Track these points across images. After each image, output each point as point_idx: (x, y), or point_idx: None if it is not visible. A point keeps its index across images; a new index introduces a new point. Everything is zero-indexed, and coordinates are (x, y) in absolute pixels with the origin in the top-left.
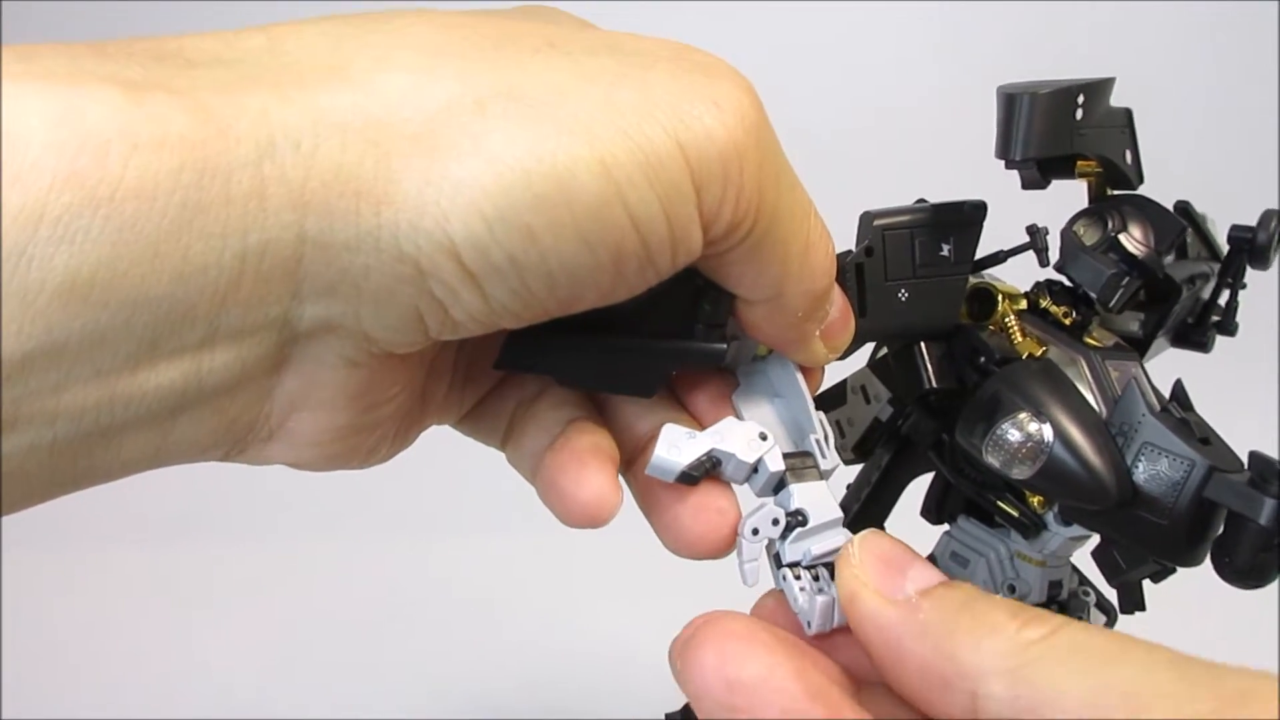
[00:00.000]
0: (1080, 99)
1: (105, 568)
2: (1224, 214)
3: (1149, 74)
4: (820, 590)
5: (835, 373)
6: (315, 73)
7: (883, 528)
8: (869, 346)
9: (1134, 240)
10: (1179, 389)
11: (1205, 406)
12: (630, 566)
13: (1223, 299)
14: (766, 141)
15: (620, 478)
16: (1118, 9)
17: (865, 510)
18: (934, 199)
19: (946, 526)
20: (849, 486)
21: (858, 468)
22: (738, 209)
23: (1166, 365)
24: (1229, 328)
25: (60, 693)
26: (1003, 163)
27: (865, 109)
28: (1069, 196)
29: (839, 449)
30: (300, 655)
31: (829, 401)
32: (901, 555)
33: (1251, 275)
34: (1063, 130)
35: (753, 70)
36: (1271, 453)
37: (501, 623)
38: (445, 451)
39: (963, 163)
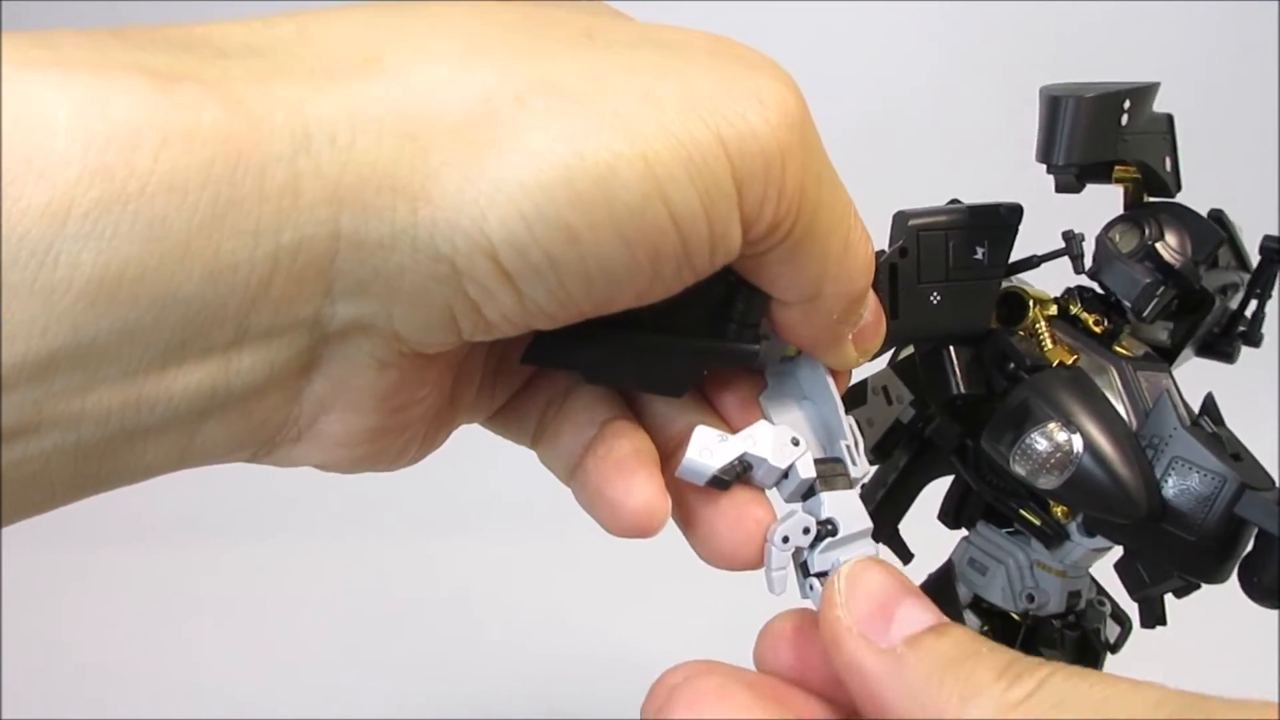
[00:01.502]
0: (1126, 104)
1: (105, 568)
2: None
3: (1149, 71)
4: None
5: (857, 372)
6: (349, 63)
7: (897, 529)
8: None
9: (1171, 249)
10: (1210, 402)
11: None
12: (629, 566)
13: (1249, 309)
14: (810, 139)
15: None
16: (1120, 8)
17: (880, 512)
18: (964, 200)
19: (963, 531)
20: (864, 486)
21: (873, 468)
22: (779, 208)
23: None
24: (1254, 338)
25: (60, 693)
26: (1038, 165)
27: (895, 107)
28: (1100, 201)
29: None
30: (300, 655)
31: (849, 402)
32: (891, 591)
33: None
34: (1107, 135)
35: (784, 65)
36: (1272, 456)
37: (500, 622)
38: (444, 451)
39: (991, 163)
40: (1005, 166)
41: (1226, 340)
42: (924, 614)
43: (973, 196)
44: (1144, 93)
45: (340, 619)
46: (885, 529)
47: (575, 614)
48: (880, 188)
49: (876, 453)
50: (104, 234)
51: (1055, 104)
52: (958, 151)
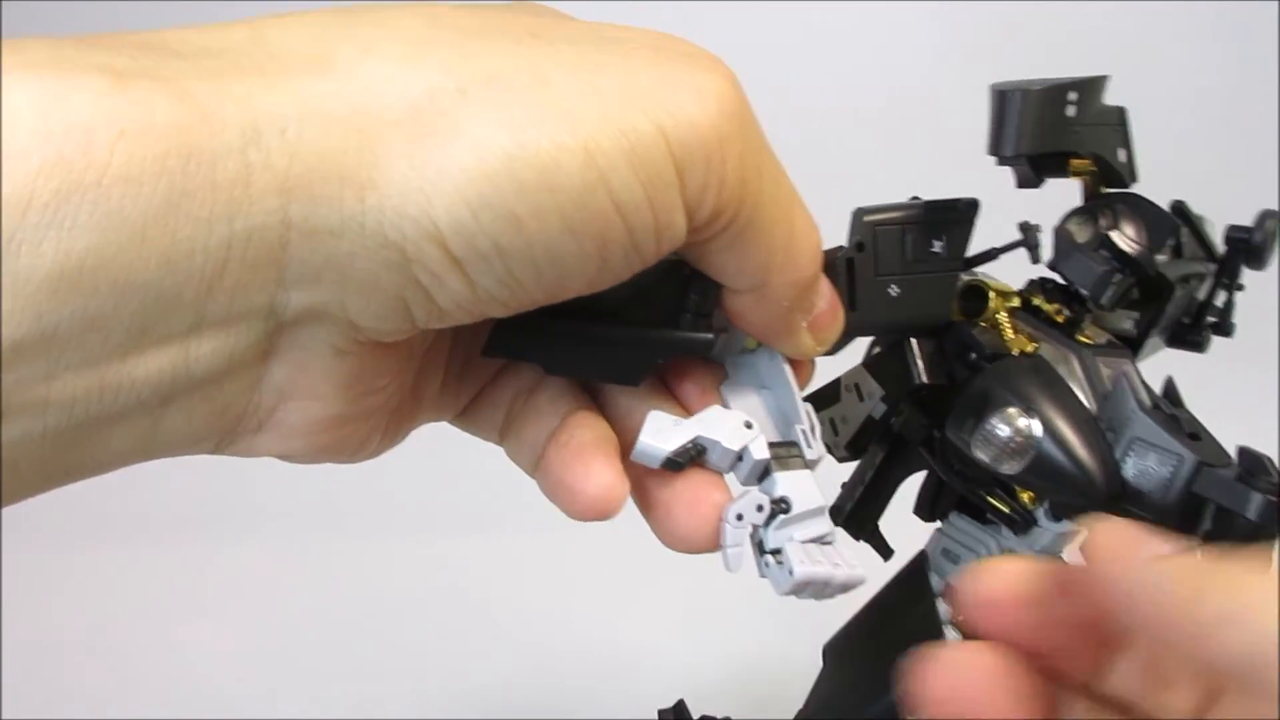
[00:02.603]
0: (1073, 96)
1: (104, 568)
2: (1226, 214)
3: (1149, 72)
4: (819, 562)
5: (831, 371)
6: (299, 62)
7: (877, 526)
8: (862, 344)
9: (1126, 238)
10: (1170, 386)
11: (1206, 406)
12: (628, 566)
13: (1220, 300)
14: (749, 130)
15: None
16: (1119, 8)
17: (860, 508)
18: (930, 196)
19: (939, 524)
20: (844, 485)
21: (852, 466)
22: (720, 196)
23: (1172, 366)
24: (1226, 328)
25: (60, 693)
26: (998, 161)
27: (864, 105)
28: (1067, 195)
29: (833, 446)
30: (300, 655)
31: (823, 399)
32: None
33: (1252, 274)
34: (1055, 127)
35: (750, 64)
36: (1272, 453)
37: (499, 622)
38: (444, 451)
39: (962, 161)
40: (972, 165)
41: (1195, 330)
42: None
43: (939, 194)
44: (1091, 85)
45: (341, 619)
46: (867, 526)
47: (575, 614)
48: (848, 186)
49: (851, 449)
50: (63, 223)
51: (1003, 98)
52: (925, 150)
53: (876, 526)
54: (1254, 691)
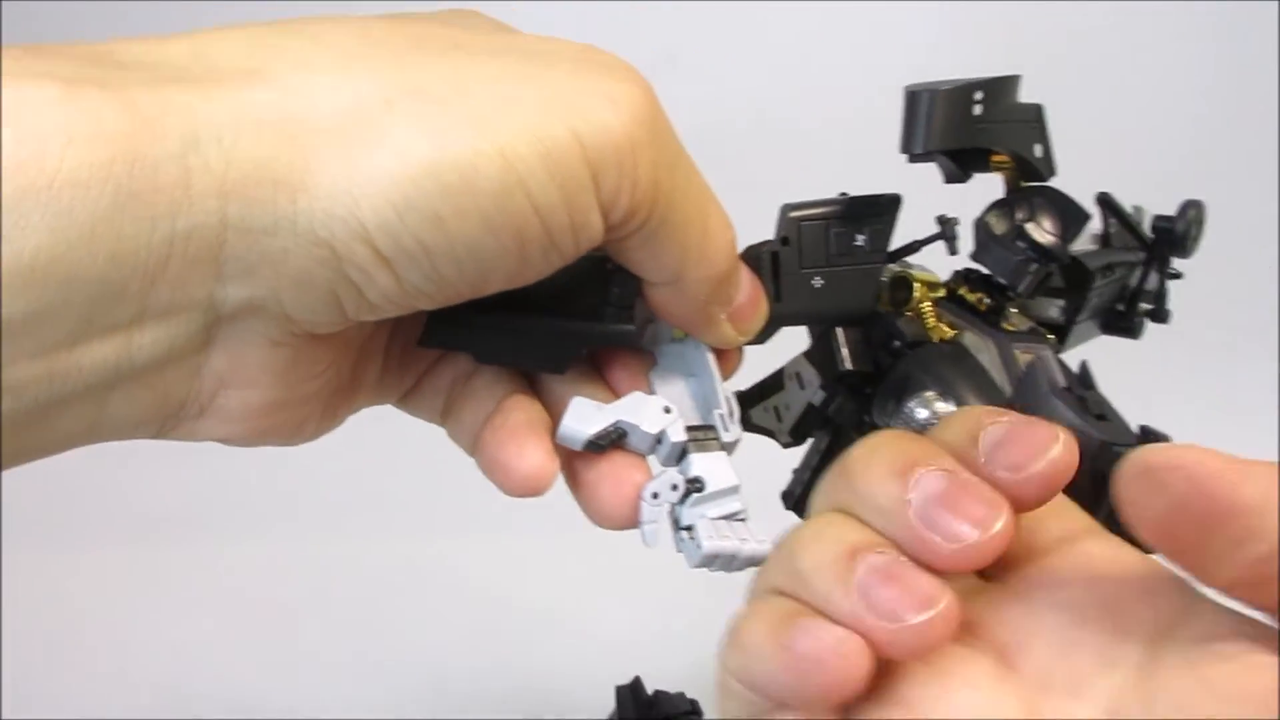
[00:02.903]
0: (979, 95)
1: (104, 567)
2: (1226, 214)
3: (1149, 72)
4: (727, 537)
5: (777, 360)
6: (235, 74)
7: None
8: (802, 335)
9: (1042, 230)
10: (1084, 370)
11: (1205, 405)
12: (626, 566)
13: (1151, 284)
14: (661, 135)
15: None
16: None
17: (809, 491)
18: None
19: None
20: (794, 471)
21: (800, 451)
22: (634, 197)
23: (1173, 368)
24: (1161, 315)
25: (60, 693)
26: (909, 158)
27: (859, 103)
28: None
29: (778, 433)
30: (300, 655)
31: (767, 388)
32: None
33: (1251, 275)
34: (962, 125)
35: (697, 67)
36: (1272, 453)
37: (500, 622)
38: (445, 451)
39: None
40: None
41: (1128, 317)
42: None
43: (876, 189)
44: (999, 84)
45: (341, 618)
46: None
47: (575, 614)
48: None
49: (795, 435)
50: (17, 224)
51: (914, 98)
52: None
53: None
54: None
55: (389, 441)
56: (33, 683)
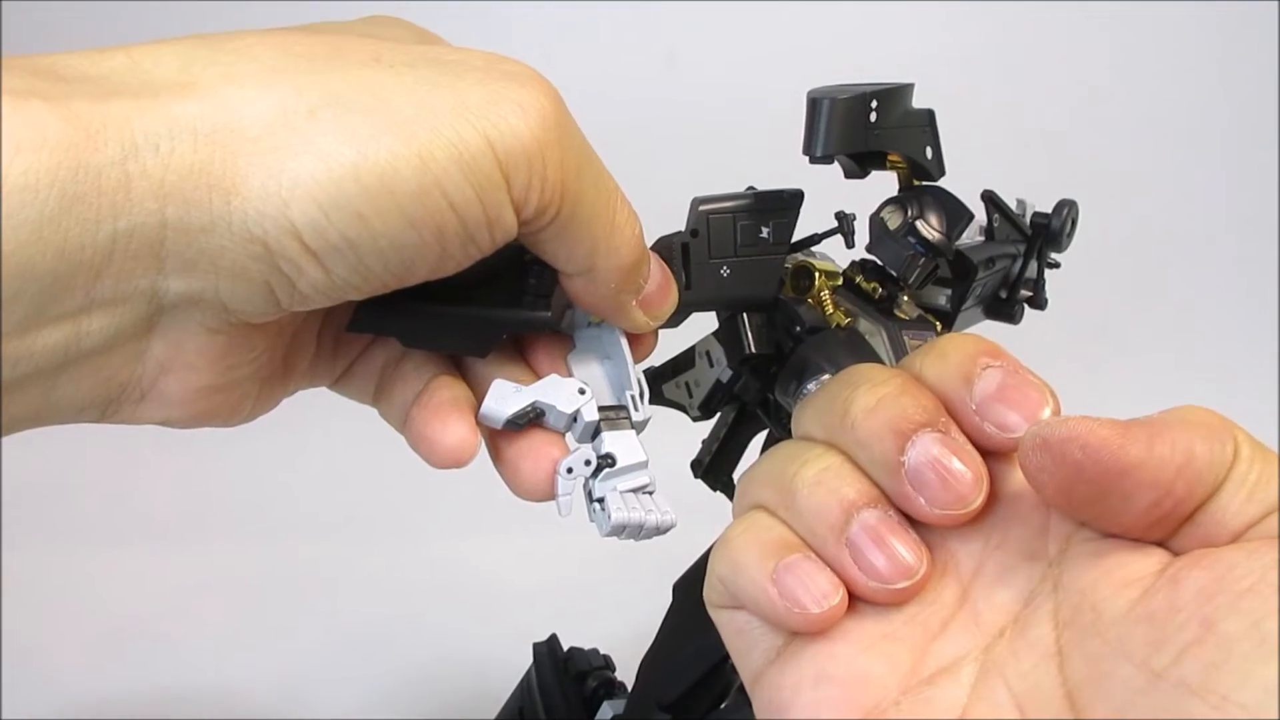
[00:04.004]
0: (874, 104)
1: (105, 568)
2: (1227, 214)
3: (1148, 73)
4: (634, 509)
5: (688, 339)
6: (169, 87)
7: (731, 477)
8: (713, 316)
9: (929, 226)
10: None
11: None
12: (627, 566)
13: (1031, 272)
14: (567, 137)
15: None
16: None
17: (715, 461)
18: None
19: None
20: (703, 441)
21: (709, 425)
22: (543, 195)
23: (1177, 371)
24: (1039, 302)
25: (60, 692)
26: (810, 160)
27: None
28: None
29: (688, 407)
30: (300, 654)
31: (679, 365)
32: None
33: (1251, 274)
34: (858, 131)
35: (697, 67)
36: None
37: (500, 621)
38: None
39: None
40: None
41: (1009, 304)
42: None
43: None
44: (893, 94)
45: (341, 618)
46: (721, 477)
47: (576, 614)
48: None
49: (704, 409)
50: None
51: (814, 105)
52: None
53: (731, 478)
54: None
55: (388, 443)
56: (33, 683)
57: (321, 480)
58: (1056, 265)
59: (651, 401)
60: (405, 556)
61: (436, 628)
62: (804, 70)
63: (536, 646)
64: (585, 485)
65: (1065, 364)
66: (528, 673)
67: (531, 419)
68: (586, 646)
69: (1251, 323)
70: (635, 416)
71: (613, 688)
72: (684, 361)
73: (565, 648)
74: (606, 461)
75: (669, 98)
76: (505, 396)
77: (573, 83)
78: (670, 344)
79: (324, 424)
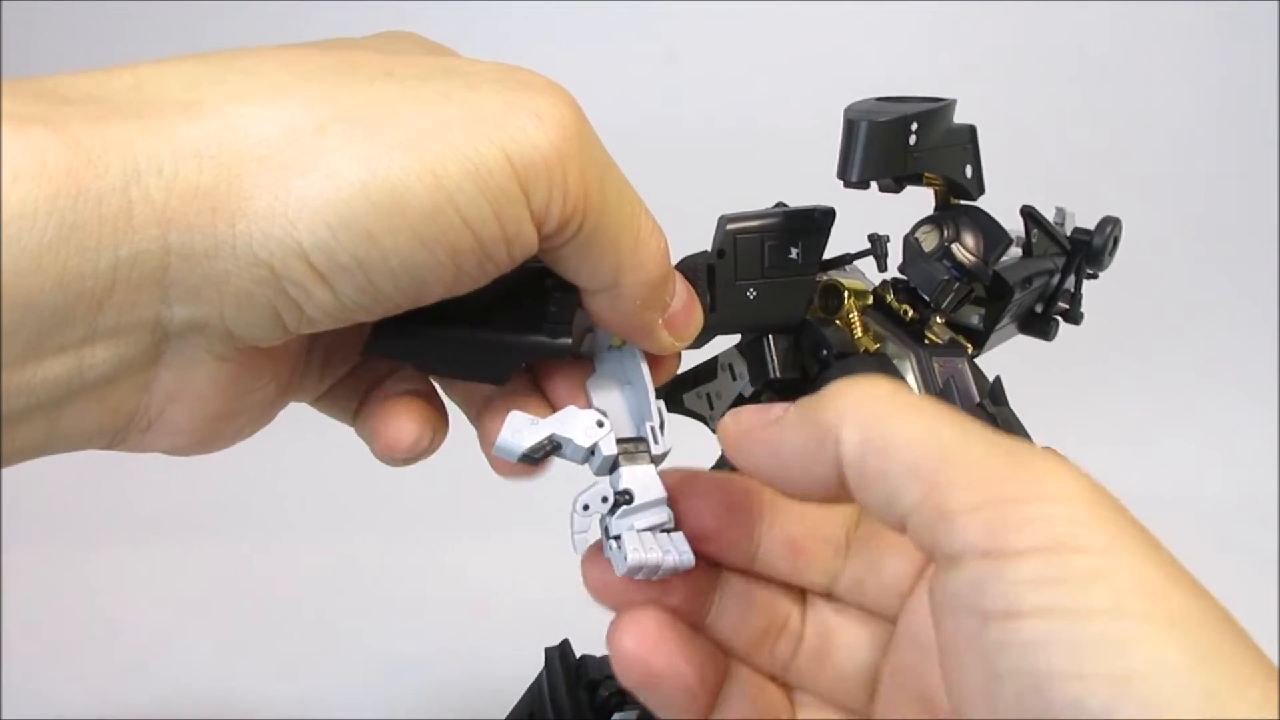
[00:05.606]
0: (914, 126)
1: (104, 567)
2: (1225, 212)
3: (1148, 72)
4: (651, 549)
5: (710, 349)
6: (174, 106)
7: None
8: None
9: (965, 250)
10: (995, 385)
11: (1204, 409)
12: None
13: (1070, 285)
14: (588, 147)
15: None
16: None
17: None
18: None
19: None
20: (720, 456)
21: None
22: (565, 208)
23: (1178, 374)
24: (1074, 317)
25: (60, 692)
26: (845, 184)
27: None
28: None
29: (709, 419)
30: (300, 655)
31: (701, 375)
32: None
33: (1251, 276)
34: (896, 155)
35: (697, 67)
36: (1271, 456)
37: (500, 621)
38: (445, 451)
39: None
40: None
41: (1044, 320)
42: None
43: (819, 198)
44: (934, 114)
45: (341, 618)
46: None
47: (576, 614)
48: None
49: None
50: None
51: (851, 127)
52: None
53: None
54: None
55: None
56: (33, 683)
57: (323, 481)
58: (1094, 276)
59: (671, 410)
60: (413, 558)
61: (446, 630)
62: (811, 74)
63: (549, 651)
64: (602, 522)
65: (1082, 369)
66: (539, 676)
67: (548, 451)
68: (599, 654)
69: (1252, 323)
70: (655, 450)
71: (624, 698)
72: (706, 372)
73: (578, 655)
74: (624, 498)
75: (671, 96)
76: (520, 429)
77: (573, 86)
78: (692, 353)
79: (325, 424)
